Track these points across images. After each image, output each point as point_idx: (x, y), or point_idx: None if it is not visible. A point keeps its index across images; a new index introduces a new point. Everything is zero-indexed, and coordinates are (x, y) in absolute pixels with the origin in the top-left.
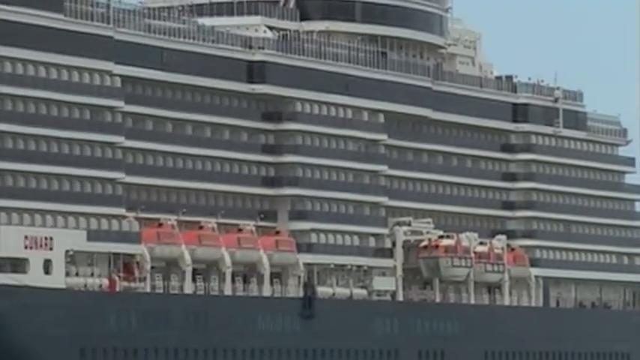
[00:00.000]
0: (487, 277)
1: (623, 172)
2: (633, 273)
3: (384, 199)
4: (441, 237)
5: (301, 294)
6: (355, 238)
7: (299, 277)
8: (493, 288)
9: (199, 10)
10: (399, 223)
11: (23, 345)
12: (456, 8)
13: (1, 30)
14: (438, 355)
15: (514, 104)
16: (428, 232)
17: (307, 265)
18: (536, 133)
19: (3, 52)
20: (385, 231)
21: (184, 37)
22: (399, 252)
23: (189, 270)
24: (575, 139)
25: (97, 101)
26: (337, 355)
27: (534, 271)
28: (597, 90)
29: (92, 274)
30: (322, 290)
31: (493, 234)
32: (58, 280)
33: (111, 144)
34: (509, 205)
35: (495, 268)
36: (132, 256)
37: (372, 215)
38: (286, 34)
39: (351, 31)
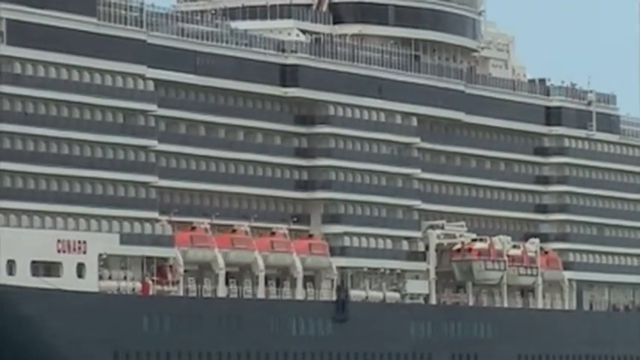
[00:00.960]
0: (520, 280)
1: None
2: None
3: (417, 203)
4: (475, 240)
5: (334, 297)
6: (388, 241)
7: (332, 280)
8: (526, 291)
9: (232, 14)
10: (432, 227)
11: (56, 348)
12: (489, 11)
13: (35, 34)
14: (472, 358)
15: (547, 107)
16: (461, 236)
17: (340, 268)
18: (569, 136)
19: (37, 56)
20: (418, 234)
21: (217, 41)
22: (432, 255)
23: (222, 273)
24: (608, 142)
25: (130, 105)
26: (370, 358)
27: (567, 274)
28: (630, 93)
29: (125, 278)
30: (355, 294)
31: (526, 237)
32: (91, 283)
33: (144, 147)
34: (542, 209)
35: (529, 272)
36: (165, 259)
37: (405, 218)
38: (319, 38)
39: (384, 34)
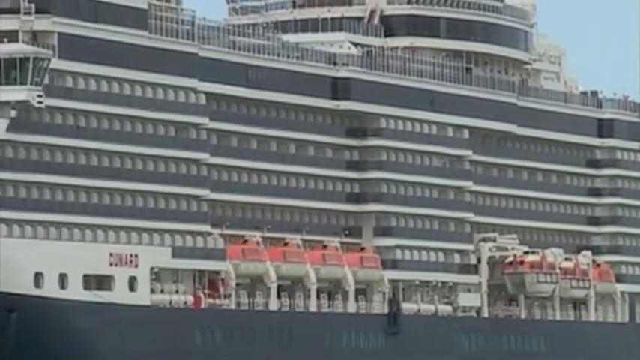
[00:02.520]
0: (573, 292)
1: None
2: None
3: (469, 215)
4: (527, 253)
5: (386, 310)
6: (440, 254)
7: (384, 293)
8: (579, 304)
9: (284, 27)
10: (484, 239)
11: None
12: (540, 23)
13: (87, 47)
14: None
15: (599, 120)
16: (513, 248)
17: (392, 281)
18: (622, 149)
19: (89, 69)
20: (470, 247)
21: (269, 54)
22: (484, 268)
23: (274, 286)
24: None
25: (182, 118)
26: None
27: (620, 287)
28: None
29: (177, 291)
30: (407, 306)
31: (578, 250)
32: (143, 296)
33: (196, 161)
34: (594, 221)
35: (581, 284)
36: (217, 272)
37: (457, 231)
38: (371, 51)
39: (436, 47)
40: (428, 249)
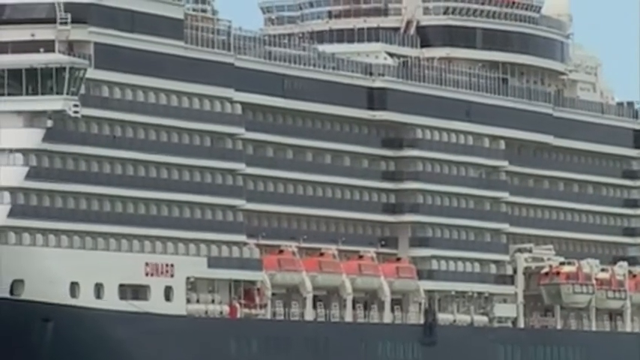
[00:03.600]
0: (609, 303)
1: None
2: None
3: (505, 226)
4: (563, 263)
5: (422, 321)
6: (476, 264)
7: (420, 303)
8: (615, 315)
9: (320, 37)
10: (520, 250)
11: None
12: (576, 34)
13: (123, 57)
14: None
15: (635, 130)
16: (549, 259)
17: (428, 291)
18: None
19: (125, 79)
20: (506, 258)
21: (305, 64)
22: (520, 279)
23: (309, 297)
24: None
25: (218, 128)
26: None
27: None
28: None
29: (213, 301)
30: (443, 317)
31: (614, 260)
32: (179, 306)
33: (232, 171)
34: (630, 232)
35: (617, 295)
36: (253, 282)
37: (493, 242)
38: (407, 61)
39: (472, 57)
40: (464, 259)
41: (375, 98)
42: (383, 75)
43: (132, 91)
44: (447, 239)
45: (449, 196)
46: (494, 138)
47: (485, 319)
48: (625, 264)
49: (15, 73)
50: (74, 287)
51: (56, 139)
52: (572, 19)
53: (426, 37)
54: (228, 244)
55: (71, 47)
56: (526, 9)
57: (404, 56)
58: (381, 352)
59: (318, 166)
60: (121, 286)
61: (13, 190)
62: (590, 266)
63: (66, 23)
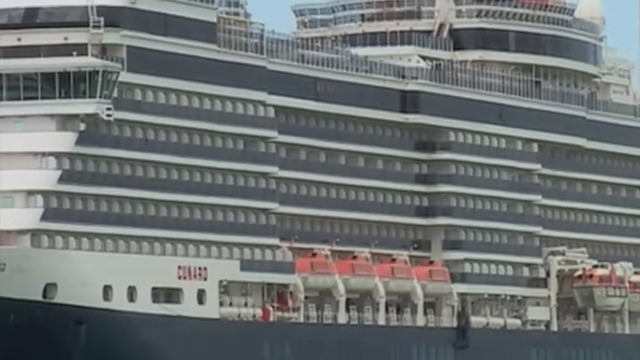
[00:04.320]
0: None
1: None
2: None
3: (538, 229)
4: (596, 266)
5: (455, 324)
6: (509, 267)
7: (453, 306)
8: None
9: (352, 40)
10: (553, 253)
11: None
12: (610, 37)
13: (155, 61)
14: None
15: None
16: (582, 262)
17: (461, 294)
18: None
19: (157, 82)
20: (539, 261)
21: (337, 67)
22: (553, 282)
23: (342, 300)
24: None
25: (251, 131)
26: None
27: None
28: None
29: (246, 304)
30: (476, 320)
31: None
32: (211, 310)
33: (264, 174)
34: None
35: None
36: (285, 286)
37: (526, 245)
38: (440, 64)
39: (505, 60)
40: (497, 262)
41: (407, 101)
42: (416, 78)
43: (164, 95)
44: (480, 242)
45: (482, 199)
46: (527, 141)
47: (518, 322)
48: None
49: (48, 77)
50: (107, 290)
51: (89, 142)
52: (605, 22)
53: (458, 40)
54: (261, 247)
55: (104, 50)
56: (559, 12)
57: (437, 59)
58: (413, 355)
59: (351, 169)
60: (154, 289)
61: (45, 194)
62: (624, 269)
63: (99, 27)
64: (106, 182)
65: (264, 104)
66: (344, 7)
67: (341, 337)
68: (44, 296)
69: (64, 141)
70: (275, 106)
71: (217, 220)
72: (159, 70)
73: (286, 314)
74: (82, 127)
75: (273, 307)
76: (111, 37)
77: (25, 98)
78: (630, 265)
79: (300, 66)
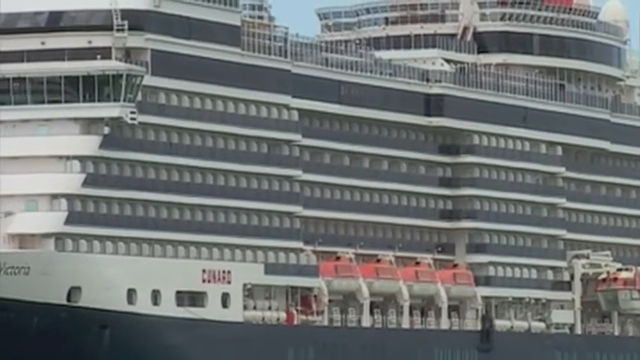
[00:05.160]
0: None
1: None
2: None
3: (562, 232)
4: (620, 270)
5: (479, 327)
6: (533, 271)
7: (477, 310)
8: None
9: (376, 44)
10: (577, 256)
11: None
12: (634, 40)
13: (179, 64)
14: None
15: None
16: (606, 265)
17: (485, 298)
18: None
19: (181, 86)
20: (563, 264)
21: (361, 71)
22: (577, 285)
23: (366, 303)
24: None
25: (275, 135)
26: None
27: None
28: None
29: (270, 308)
30: (500, 323)
31: None
32: (235, 313)
33: (288, 177)
34: None
35: None
36: (309, 289)
37: (550, 248)
38: (464, 67)
39: (529, 63)
40: (521, 266)
41: (431, 104)
42: (440, 81)
43: (189, 98)
44: (504, 245)
45: (506, 203)
46: (551, 144)
47: (542, 325)
48: None
49: (72, 80)
50: (131, 294)
51: (113, 145)
52: (629, 25)
53: (482, 43)
54: (285, 250)
55: (128, 54)
56: (583, 15)
57: (461, 62)
58: (438, 358)
59: (375, 173)
60: (178, 292)
61: (70, 197)
62: None
63: (123, 30)
64: (130, 186)
65: (288, 107)
66: (368, 11)
67: (365, 341)
68: (68, 300)
69: (88, 144)
70: (299, 110)
71: (241, 223)
72: (183, 73)
73: (310, 318)
74: (106, 130)
75: (297, 310)
76: (135, 40)
77: (49, 102)
78: None
79: (324, 69)
